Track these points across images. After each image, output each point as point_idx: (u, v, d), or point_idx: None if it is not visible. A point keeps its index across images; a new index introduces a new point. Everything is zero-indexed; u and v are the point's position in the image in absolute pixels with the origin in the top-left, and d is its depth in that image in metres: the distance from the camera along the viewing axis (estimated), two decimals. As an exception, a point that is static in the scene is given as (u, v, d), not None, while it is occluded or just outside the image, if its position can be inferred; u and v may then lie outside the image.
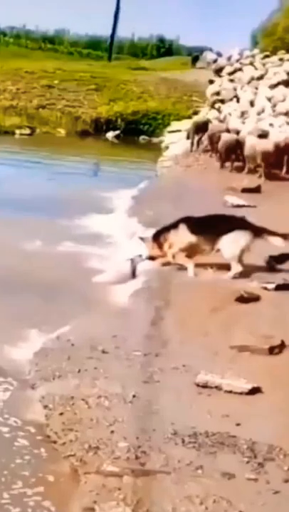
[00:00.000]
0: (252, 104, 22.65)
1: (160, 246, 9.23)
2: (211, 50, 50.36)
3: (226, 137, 17.78)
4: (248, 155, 17.05)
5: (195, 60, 42.77)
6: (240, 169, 17.30)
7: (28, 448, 4.90)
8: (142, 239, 9.52)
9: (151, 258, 9.26)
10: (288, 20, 52.74)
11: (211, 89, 28.60)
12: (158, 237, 9.29)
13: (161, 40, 67.71)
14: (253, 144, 16.85)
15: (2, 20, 65.80)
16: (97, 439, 4.76)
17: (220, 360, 6.12)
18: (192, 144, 20.68)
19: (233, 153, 17.61)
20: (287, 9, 54.66)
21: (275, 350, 6.35)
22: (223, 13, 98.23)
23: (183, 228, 9.16)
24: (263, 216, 11.46)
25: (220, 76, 30.79)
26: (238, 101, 24.19)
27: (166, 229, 9.32)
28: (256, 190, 14.77)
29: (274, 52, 37.42)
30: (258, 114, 20.71)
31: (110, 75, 33.92)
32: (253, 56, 35.97)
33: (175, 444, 4.74)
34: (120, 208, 13.50)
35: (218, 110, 23.11)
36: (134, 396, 5.40)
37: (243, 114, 21.02)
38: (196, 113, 29.18)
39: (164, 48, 64.83)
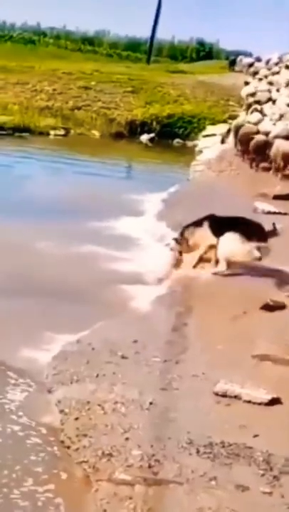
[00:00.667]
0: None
1: (186, 241, 9.37)
2: (250, 54, 50.13)
3: (255, 139, 18.01)
4: (273, 156, 17.14)
5: (232, 63, 42.51)
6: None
7: (42, 450, 4.87)
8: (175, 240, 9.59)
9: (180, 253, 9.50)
10: None
11: (246, 91, 28.65)
12: (184, 233, 9.41)
13: (201, 43, 67.63)
14: (277, 145, 17.01)
15: (43, 21, 65.91)
16: (111, 446, 4.71)
17: (240, 369, 6.03)
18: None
19: (262, 154, 17.61)
20: None
21: (297, 361, 6.26)
22: (264, 18, 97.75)
23: (206, 228, 9.24)
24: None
25: (257, 79, 30.86)
26: (273, 103, 24.16)
27: (192, 225, 9.41)
28: (288, 197, 14.58)
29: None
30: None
31: (148, 78, 33.82)
32: None
33: (189, 453, 4.68)
34: (150, 211, 13.44)
35: (261, 112, 23.05)
36: (151, 403, 5.35)
37: (281, 116, 21.00)
38: (231, 117, 29.07)
39: (204, 52, 64.75)
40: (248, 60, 38.34)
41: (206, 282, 8.65)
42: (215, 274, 8.81)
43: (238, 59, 41.88)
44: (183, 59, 61.98)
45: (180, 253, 9.56)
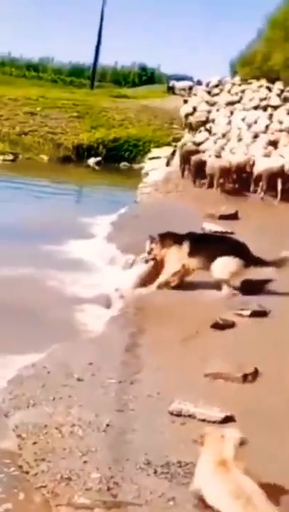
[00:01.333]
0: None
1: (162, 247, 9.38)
2: (191, 78, 50.84)
3: (194, 157, 18.73)
4: (209, 173, 17.89)
5: (170, 88, 43.14)
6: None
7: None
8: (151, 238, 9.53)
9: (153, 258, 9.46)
10: (266, 50, 53.46)
11: (184, 110, 29.88)
12: (164, 240, 9.41)
13: (143, 68, 68.18)
14: (211, 162, 17.82)
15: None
16: (70, 470, 4.66)
17: (194, 388, 6.03)
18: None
19: (201, 172, 18.30)
20: (265, 39, 55.34)
21: (248, 378, 6.29)
22: (205, 42, 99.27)
23: (185, 247, 9.25)
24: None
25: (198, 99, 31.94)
26: (212, 122, 25.12)
27: (172, 237, 9.41)
28: (234, 216, 14.73)
29: (252, 80, 38.46)
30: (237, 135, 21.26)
31: (92, 103, 33.93)
32: (232, 84, 37.18)
33: (147, 474, 4.65)
34: (100, 234, 13.44)
35: (209, 131, 23.55)
36: (108, 425, 5.31)
37: (223, 135, 21.53)
38: (175, 140, 29.31)
39: (146, 76, 65.38)
40: (184, 84, 39.65)
41: (159, 303, 8.66)
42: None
43: (171, 83, 42.86)
44: (126, 84, 62.40)
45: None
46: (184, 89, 39.86)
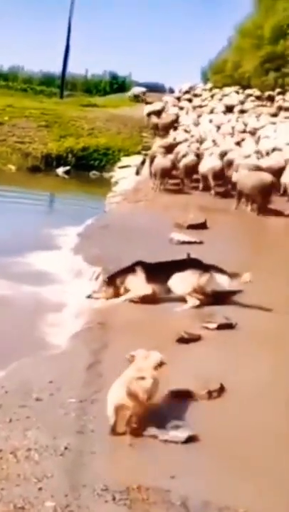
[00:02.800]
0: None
1: (116, 289, 9.18)
2: (163, 86, 50.97)
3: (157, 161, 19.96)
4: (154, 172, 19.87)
5: (136, 96, 43.55)
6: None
7: None
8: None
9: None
10: (237, 58, 53.69)
11: (147, 109, 31.76)
12: (114, 280, 9.17)
13: (114, 76, 68.22)
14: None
15: None
16: (23, 498, 4.44)
17: (156, 406, 5.83)
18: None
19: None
20: (235, 47, 55.58)
21: (213, 394, 6.11)
22: (177, 50, 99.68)
23: (140, 275, 9.10)
24: (208, 253, 11.34)
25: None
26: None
27: (123, 272, 9.21)
28: (202, 226, 14.59)
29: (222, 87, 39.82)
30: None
31: (61, 112, 33.72)
32: (203, 89, 38.76)
33: (105, 501, 4.45)
34: (66, 246, 13.22)
35: (187, 131, 25.80)
36: (66, 448, 5.10)
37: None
38: (145, 148, 29.26)
39: (117, 84, 65.37)
40: (140, 89, 41.08)
41: (124, 317, 8.48)
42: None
43: (132, 90, 43.62)
44: (97, 92, 62.36)
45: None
46: (143, 94, 41.07)
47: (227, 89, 41.42)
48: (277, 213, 16.17)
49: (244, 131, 25.63)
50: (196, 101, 38.23)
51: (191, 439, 5.24)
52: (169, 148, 22.15)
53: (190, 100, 38.39)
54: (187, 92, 41.54)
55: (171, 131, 28.62)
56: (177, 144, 22.85)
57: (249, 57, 50.67)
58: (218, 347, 7.35)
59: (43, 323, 8.46)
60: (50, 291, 9.89)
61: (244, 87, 42.80)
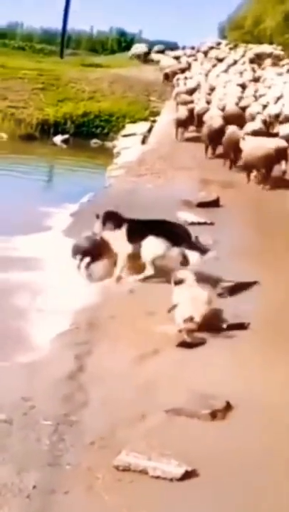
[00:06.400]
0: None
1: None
2: (175, 44, 50.17)
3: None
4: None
5: (146, 54, 42.93)
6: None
7: None
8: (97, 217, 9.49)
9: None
10: (257, 13, 52.74)
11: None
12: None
13: (122, 33, 67.10)
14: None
15: None
16: None
17: (148, 429, 5.29)
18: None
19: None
20: (256, 1, 54.61)
21: (217, 415, 5.56)
22: (191, 5, 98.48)
23: (122, 233, 9.21)
24: (217, 236, 10.80)
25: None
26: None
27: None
28: (214, 203, 13.98)
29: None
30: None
31: (60, 73, 33.05)
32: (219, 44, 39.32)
33: None
34: (58, 227, 12.65)
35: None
36: (34, 487, 4.57)
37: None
38: (153, 114, 28.62)
39: (126, 42, 64.15)
40: (142, 49, 41.29)
41: (115, 312, 7.93)
42: (141, 280, 8.98)
43: (133, 47, 43.40)
44: (103, 51, 61.39)
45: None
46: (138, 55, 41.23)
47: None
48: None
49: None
50: (213, 53, 38.80)
51: (188, 475, 4.69)
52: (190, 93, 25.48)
53: (206, 54, 38.99)
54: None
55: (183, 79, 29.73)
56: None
57: (271, 12, 49.82)
58: (227, 353, 6.79)
59: (20, 321, 7.89)
60: (32, 281, 9.30)
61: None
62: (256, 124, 19.42)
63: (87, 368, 6.45)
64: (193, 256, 8.83)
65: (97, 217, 9.48)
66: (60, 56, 46.29)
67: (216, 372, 6.36)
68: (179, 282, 7.50)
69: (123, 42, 64.73)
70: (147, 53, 42.84)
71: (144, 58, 42.19)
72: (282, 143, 16.69)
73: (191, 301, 7.11)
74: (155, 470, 4.72)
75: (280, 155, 16.45)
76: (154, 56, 41.32)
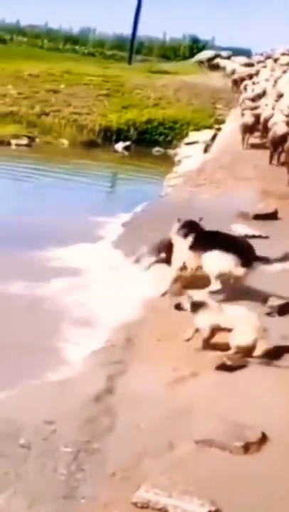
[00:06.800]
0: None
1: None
2: (249, 51, 49.64)
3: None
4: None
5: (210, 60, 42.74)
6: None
7: None
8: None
9: None
10: None
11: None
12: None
13: (195, 40, 66.55)
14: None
15: (23, 18, 64.92)
16: None
17: (175, 461, 4.95)
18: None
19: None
20: None
21: (251, 447, 5.18)
22: (265, 11, 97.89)
23: (187, 243, 8.84)
24: (270, 250, 10.37)
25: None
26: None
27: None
28: (272, 216, 13.53)
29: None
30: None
31: (125, 79, 32.91)
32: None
33: None
34: (108, 237, 12.40)
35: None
36: (44, 523, 4.28)
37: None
38: (218, 122, 28.26)
39: (198, 49, 63.55)
40: (208, 54, 40.86)
41: (156, 329, 7.61)
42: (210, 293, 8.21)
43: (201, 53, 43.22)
44: (176, 58, 61.04)
45: None
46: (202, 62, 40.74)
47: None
48: None
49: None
50: (284, 59, 38.18)
51: (211, 517, 4.34)
52: (254, 100, 24.63)
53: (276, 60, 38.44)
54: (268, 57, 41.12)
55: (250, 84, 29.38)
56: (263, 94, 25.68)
57: None
58: (267, 379, 6.40)
59: (54, 337, 7.65)
60: (75, 294, 9.07)
61: None
62: None
63: (117, 389, 6.13)
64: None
65: (179, 220, 9.17)
66: (128, 62, 46.17)
67: (253, 399, 5.98)
68: (198, 305, 6.96)
69: (195, 49, 64.23)
70: (212, 59, 42.68)
71: (209, 64, 41.97)
72: None
73: (246, 324, 6.73)
74: (176, 509, 4.38)
75: None
76: (220, 62, 40.98)
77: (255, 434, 5.28)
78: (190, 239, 8.80)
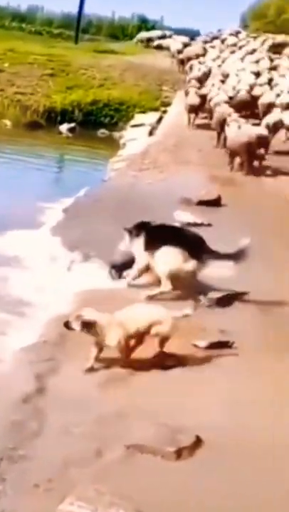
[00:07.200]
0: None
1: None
2: (197, 32, 49.44)
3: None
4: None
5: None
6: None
7: None
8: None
9: None
10: (281, 1, 51.83)
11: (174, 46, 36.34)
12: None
13: (143, 20, 66.08)
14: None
15: None
16: None
17: (104, 469, 4.73)
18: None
19: None
20: (279, -13, 53.66)
21: (184, 452, 4.98)
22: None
23: (140, 242, 8.57)
24: (212, 240, 10.18)
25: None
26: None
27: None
28: (215, 202, 13.39)
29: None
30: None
31: (71, 59, 32.37)
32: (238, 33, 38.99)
33: None
34: (48, 224, 12.09)
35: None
36: None
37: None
38: (164, 104, 28.04)
39: (146, 29, 63.06)
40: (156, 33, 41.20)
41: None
42: (151, 297, 8.02)
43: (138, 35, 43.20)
44: (124, 37, 60.51)
45: None
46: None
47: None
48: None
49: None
50: (231, 41, 38.36)
51: (138, 530, 4.12)
52: (201, 80, 25.23)
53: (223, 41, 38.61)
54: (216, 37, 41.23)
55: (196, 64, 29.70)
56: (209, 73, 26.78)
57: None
58: (205, 377, 6.20)
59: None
60: (7, 286, 8.76)
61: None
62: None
63: (47, 390, 5.87)
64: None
65: (126, 229, 8.77)
66: (74, 41, 45.49)
67: (190, 400, 5.77)
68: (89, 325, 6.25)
69: (144, 28, 63.70)
70: (151, 39, 42.80)
71: (147, 44, 42.09)
72: (264, 131, 17.30)
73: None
74: (98, 522, 4.16)
75: (261, 143, 16.75)
76: (162, 42, 40.84)
77: (189, 438, 5.08)
78: (142, 239, 8.53)
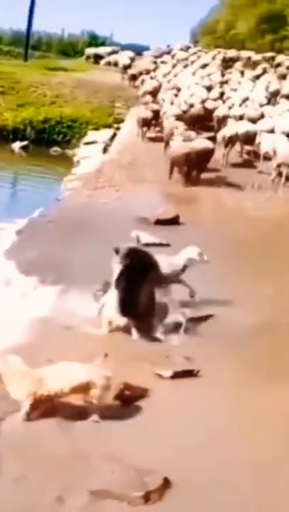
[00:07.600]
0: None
1: None
2: (147, 48, 49.52)
3: None
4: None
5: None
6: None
7: None
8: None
9: None
10: (230, 17, 52.10)
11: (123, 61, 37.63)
12: None
13: (93, 36, 66.13)
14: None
15: None
16: None
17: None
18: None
19: None
20: (228, 5, 54.00)
21: (152, 496, 4.64)
22: (164, 9, 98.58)
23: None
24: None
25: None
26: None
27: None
28: (174, 221, 13.13)
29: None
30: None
31: (20, 76, 31.90)
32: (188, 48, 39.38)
33: None
34: (1, 246, 11.68)
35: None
36: None
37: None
38: (117, 121, 27.82)
39: (96, 45, 63.10)
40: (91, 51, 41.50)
41: (50, 356, 6.98)
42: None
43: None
44: (75, 54, 60.38)
45: None
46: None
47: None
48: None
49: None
50: (181, 54, 38.93)
51: None
52: (153, 93, 26.42)
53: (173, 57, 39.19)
54: (167, 52, 41.78)
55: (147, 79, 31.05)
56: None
57: (244, 15, 49.34)
58: (169, 411, 5.88)
59: None
60: None
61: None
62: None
63: (2, 431, 5.48)
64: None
65: (116, 250, 8.23)
66: (24, 59, 45.05)
67: (154, 437, 5.44)
68: None
69: (94, 45, 63.75)
70: (99, 56, 43.05)
71: (95, 60, 42.79)
72: (208, 144, 17.40)
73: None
74: None
75: (203, 156, 17.03)
76: (110, 58, 40.99)
77: (156, 480, 4.76)
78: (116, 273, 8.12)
